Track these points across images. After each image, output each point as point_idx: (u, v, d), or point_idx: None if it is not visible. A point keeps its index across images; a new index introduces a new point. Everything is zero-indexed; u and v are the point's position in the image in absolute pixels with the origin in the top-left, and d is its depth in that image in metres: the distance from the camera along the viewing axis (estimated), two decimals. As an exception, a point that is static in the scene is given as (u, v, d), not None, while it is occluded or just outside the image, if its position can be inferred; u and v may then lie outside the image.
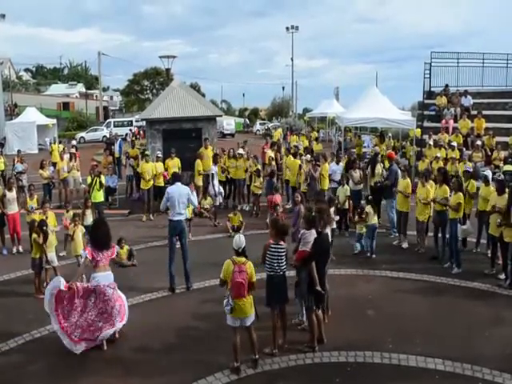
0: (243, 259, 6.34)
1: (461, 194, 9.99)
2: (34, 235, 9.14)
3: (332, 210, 10.25)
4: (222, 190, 14.91)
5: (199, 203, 14.87)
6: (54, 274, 9.15)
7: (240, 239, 6.42)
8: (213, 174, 14.58)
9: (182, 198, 9.23)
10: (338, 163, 14.73)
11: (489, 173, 11.21)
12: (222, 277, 6.41)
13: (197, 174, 15.27)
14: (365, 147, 23.79)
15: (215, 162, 15.48)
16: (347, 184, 13.04)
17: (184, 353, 6.99)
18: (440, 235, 10.70)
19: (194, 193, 9.98)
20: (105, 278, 7.09)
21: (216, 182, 14.63)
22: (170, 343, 7.28)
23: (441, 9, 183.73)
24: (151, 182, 14.97)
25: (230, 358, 6.50)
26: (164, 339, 7.37)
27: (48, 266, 9.18)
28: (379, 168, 13.61)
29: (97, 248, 7.16)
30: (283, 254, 6.81)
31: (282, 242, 6.84)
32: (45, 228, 9.15)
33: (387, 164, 13.80)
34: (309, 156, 15.95)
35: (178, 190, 9.28)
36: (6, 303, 8.77)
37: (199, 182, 15.25)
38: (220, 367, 6.51)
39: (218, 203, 14.54)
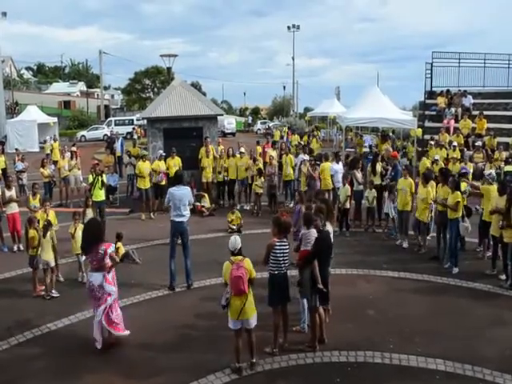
0: (240, 257, 6.38)
1: (458, 193, 9.99)
2: (33, 233, 9.15)
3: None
4: None
5: (199, 201, 14.95)
6: (51, 274, 9.12)
7: (236, 240, 6.42)
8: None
9: (184, 200, 9.24)
10: (338, 162, 14.73)
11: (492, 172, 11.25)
12: (224, 279, 6.44)
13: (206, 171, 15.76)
14: (365, 147, 23.79)
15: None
16: (349, 184, 13.08)
17: (185, 352, 6.98)
18: (442, 235, 10.67)
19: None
20: (93, 277, 7.10)
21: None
22: (170, 342, 7.27)
23: (442, 7, 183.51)
24: (148, 182, 14.97)
25: (230, 357, 6.49)
26: (165, 338, 7.37)
27: (45, 267, 9.14)
28: (379, 167, 13.69)
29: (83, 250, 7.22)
30: (287, 250, 6.84)
31: (284, 239, 6.86)
32: (50, 228, 9.27)
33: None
34: (307, 156, 15.97)
35: (180, 192, 9.28)
36: (7, 301, 8.77)
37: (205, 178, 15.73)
38: (221, 366, 6.51)
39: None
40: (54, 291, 9.02)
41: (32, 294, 8.99)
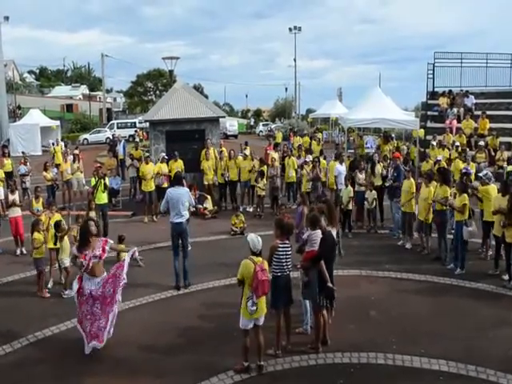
0: (261, 259, 6.35)
1: (465, 195, 9.95)
2: (37, 235, 9.20)
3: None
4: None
5: (202, 203, 14.97)
6: (66, 274, 9.22)
7: (259, 241, 6.36)
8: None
9: (182, 200, 9.23)
10: (341, 163, 14.71)
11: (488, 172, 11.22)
12: (239, 277, 6.30)
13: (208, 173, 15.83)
14: (367, 148, 23.75)
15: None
16: (352, 185, 13.07)
17: (187, 354, 6.98)
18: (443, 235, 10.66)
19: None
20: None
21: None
22: (173, 344, 7.27)
23: (442, 8, 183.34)
24: (152, 184, 14.98)
25: (234, 359, 6.48)
26: (167, 340, 7.37)
27: (55, 267, 9.19)
28: (379, 168, 13.66)
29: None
30: (290, 252, 6.85)
31: (287, 241, 6.86)
32: (62, 226, 9.40)
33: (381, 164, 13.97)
34: (310, 157, 15.97)
35: (178, 192, 9.28)
36: (9, 305, 8.78)
37: (206, 180, 15.77)
38: (224, 368, 6.49)
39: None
40: (67, 291, 9.03)
41: (35, 295, 9.01)
